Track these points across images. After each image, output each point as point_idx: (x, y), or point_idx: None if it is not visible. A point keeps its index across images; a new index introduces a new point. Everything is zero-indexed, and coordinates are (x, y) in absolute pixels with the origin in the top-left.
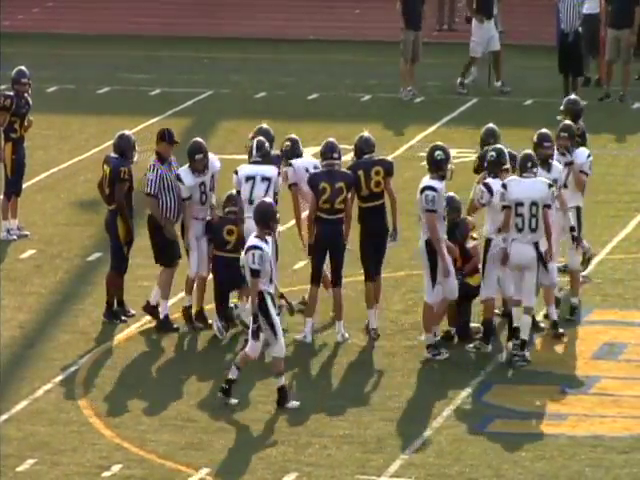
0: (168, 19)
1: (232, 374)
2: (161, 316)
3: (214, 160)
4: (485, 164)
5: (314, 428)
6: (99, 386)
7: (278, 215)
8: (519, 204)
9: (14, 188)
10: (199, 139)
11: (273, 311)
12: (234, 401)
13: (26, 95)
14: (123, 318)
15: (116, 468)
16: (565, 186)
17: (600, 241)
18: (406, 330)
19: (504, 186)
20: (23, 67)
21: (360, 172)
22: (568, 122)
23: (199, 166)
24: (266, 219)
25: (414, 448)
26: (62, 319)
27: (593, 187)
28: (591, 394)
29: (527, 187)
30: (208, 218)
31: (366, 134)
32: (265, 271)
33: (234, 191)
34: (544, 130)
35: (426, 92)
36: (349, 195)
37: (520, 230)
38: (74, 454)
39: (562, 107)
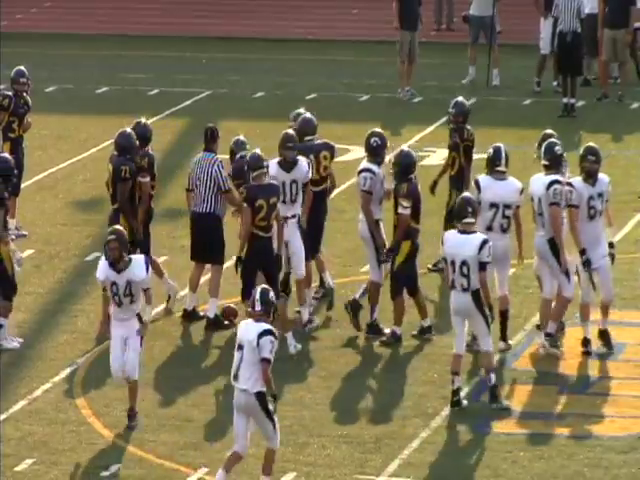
0: (167, 19)
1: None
2: (211, 315)
3: (137, 266)
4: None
5: (312, 428)
6: (97, 386)
7: None
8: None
9: (12, 188)
10: (119, 227)
11: (484, 307)
12: (506, 402)
13: (25, 95)
14: None
15: (114, 468)
16: None
17: None
18: (404, 331)
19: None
20: (22, 67)
21: (311, 156)
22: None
23: (111, 254)
24: (464, 213)
25: (413, 448)
26: (60, 319)
27: None
28: (590, 394)
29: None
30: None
31: (308, 115)
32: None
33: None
34: (591, 144)
35: (424, 92)
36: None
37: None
38: (72, 454)
39: (450, 108)
